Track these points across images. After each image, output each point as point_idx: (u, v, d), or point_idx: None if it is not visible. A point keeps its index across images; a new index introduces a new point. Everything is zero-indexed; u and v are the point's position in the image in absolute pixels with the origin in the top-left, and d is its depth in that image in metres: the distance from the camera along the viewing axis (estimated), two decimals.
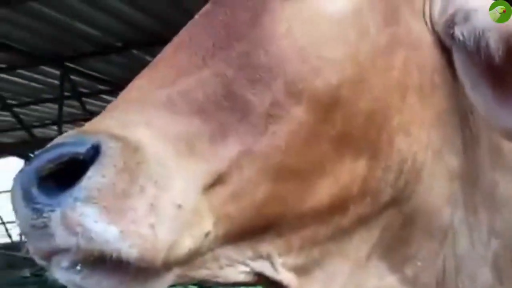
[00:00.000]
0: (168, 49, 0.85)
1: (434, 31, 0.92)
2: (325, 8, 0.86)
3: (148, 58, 7.06)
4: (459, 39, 0.88)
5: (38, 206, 0.67)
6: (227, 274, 0.81)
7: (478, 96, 0.86)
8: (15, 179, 0.70)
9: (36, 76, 7.49)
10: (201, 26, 0.86)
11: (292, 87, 0.81)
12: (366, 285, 0.91)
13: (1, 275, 13.45)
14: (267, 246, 0.82)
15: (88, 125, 0.74)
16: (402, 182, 0.89)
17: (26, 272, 12.38)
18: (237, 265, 0.81)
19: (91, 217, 0.66)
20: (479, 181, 0.98)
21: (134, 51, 6.95)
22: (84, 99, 7.87)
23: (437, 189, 0.93)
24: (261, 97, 0.79)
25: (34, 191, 0.68)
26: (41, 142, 8.18)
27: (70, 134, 0.72)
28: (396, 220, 0.92)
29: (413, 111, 0.90)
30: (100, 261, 0.68)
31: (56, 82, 7.47)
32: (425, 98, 0.91)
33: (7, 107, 7.40)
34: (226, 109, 0.78)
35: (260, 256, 0.82)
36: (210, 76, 0.79)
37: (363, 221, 0.89)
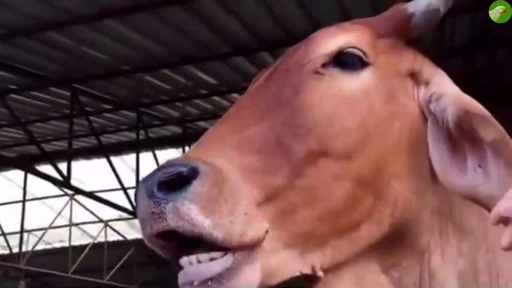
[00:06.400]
0: (234, 109, 1.17)
1: (420, 107, 1.21)
2: (345, 90, 1.15)
3: (152, 80, 7.30)
4: (431, 113, 1.17)
5: (157, 199, 0.95)
6: (285, 275, 1.06)
7: (436, 156, 1.14)
8: (140, 185, 0.99)
9: (46, 97, 7.65)
10: (258, 95, 1.18)
11: (321, 143, 1.08)
12: (366, 279, 1.17)
13: None
14: (310, 255, 1.08)
15: (188, 154, 1.05)
16: (397, 213, 1.16)
17: (22, 285, 12.32)
18: (293, 271, 1.06)
19: (194, 211, 0.94)
20: (451, 215, 1.24)
21: (140, 74, 7.10)
22: (90, 117, 8.02)
23: (421, 220, 1.19)
24: (300, 147, 1.06)
25: (155, 190, 0.95)
26: (50, 156, 8.26)
27: (178, 158, 1.01)
28: (390, 237, 1.17)
29: (404, 163, 1.16)
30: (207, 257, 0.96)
31: (64, 101, 7.62)
32: (413, 154, 1.18)
33: (20, 124, 7.59)
34: (277, 152, 1.05)
35: (306, 263, 1.08)
36: (266, 129, 1.07)
37: (368, 238, 1.14)
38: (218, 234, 0.94)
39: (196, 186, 0.95)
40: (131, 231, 12.73)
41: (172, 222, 0.94)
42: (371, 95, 1.16)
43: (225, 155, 1.02)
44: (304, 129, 1.08)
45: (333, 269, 1.12)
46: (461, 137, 1.11)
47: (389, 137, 1.15)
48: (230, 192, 0.97)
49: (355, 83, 1.16)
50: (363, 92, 1.16)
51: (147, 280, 13.64)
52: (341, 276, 1.14)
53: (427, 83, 1.22)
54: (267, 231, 1.00)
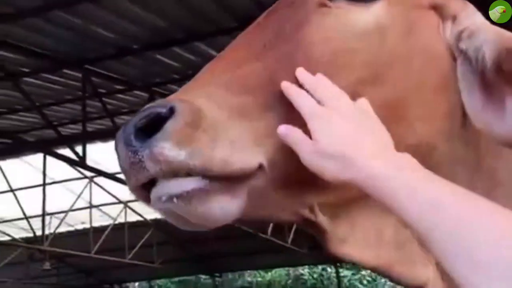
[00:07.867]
0: (230, 47, 1.09)
1: (446, 43, 1.08)
2: (352, 24, 1.04)
3: (162, 58, 7.30)
4: (463, 52, 1.04)
5: (135, 148, 0.88)
6: (280, 216, 1.05)
7: (470, 100, 1.03)
8: (119, 133, 0.92)
9: (59, 79, 7.68)
10: (256, 31, 1.08)
11: None
12: (385, 233, 1.11)
13: (22, 268, 13.69)
14: (308, 197, 1.02)
15: (169, 97, 0.96)
16: (418, 159, 1.00)
17: (47, 265, 12.66)
18: (288, 209, 1.04)
19: (167, 148, 0.86)
20: (479, 167, 1.12)
21: (150, 52, 7.07)
22: (103, 98, 8.06)
23: (444, 169, 1.05)
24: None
25: (132, 138, 0.89)
26: (67, 139, 8.32)
27: (157, 101, 0.94)
28: None
29: (429, 105, 1.06)
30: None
31: (76, 83, 7.65)
32: (439, 95, 1.06)
33: (36, 108, 7.65)
34: (271, 92, 0.97)
35: (304, 203, 1.04)
36: (261, 68, 0.99)
37: None
38: (195, 162, 0.86)
39: (169, 125, 0.88)
40: (151, 211, 12.86)
41: (151, 169, 0.87)
42: (386, 29, 1.05)
43: (209, 94, 0.95)
44: (305, 66, 0.99)
45: (347, 219, 1.09)
46: (499, 79, 0.98)
47: (409, 76, 1.05)
48: (210, 125, 0.90)
49: (366, 16, 1.05)
50: (375, 26, 1.05)
51: (167, 258, 13.88)
52: (357, 227, 1.10)
53: (454, 18, 1.10)
54: (260, 167, 0.92)
